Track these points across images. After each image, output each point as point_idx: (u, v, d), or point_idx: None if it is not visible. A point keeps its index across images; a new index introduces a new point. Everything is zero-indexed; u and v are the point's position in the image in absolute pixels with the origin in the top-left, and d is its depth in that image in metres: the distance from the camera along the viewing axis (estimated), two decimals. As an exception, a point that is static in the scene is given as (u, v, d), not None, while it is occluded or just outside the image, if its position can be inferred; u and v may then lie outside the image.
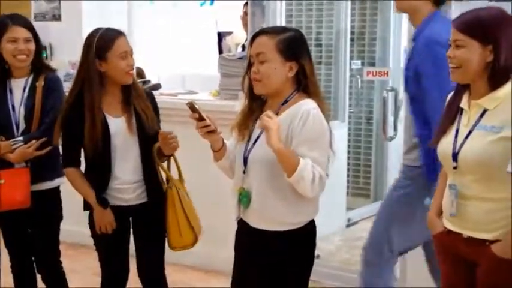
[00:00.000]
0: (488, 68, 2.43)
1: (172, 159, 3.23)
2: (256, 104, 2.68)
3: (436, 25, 3.09)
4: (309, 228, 2.66)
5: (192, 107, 2.58)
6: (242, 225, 2.73)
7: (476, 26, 2.43)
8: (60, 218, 3.54)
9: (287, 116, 2.56)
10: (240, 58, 4.75)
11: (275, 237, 2.60)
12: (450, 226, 2.58)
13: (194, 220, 3.21)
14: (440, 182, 2.72)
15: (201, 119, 2.60)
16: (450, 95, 2.65)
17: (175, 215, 3.16)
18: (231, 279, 2.81)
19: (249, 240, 2.70)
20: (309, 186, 2.47)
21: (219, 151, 2.72)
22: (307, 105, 2.55)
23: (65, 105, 3.14)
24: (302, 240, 2.65)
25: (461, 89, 2.57)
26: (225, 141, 2.74)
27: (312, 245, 2.70)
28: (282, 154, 2.46)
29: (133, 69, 3.13)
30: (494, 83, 2.44)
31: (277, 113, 2.57)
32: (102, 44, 3.08)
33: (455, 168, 2.50)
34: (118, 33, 3.12)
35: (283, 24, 4.67)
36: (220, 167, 2.79)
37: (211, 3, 6.84)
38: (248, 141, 2.65)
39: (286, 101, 2.60)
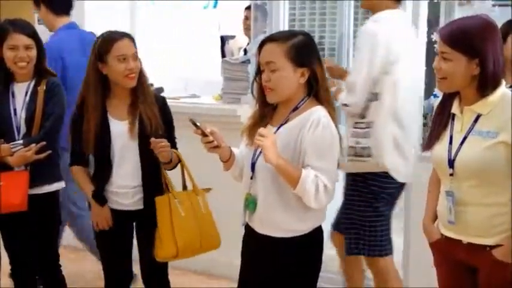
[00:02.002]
0: (475, 80, 2.41)
1: (183, 168, 3.19)
2: (267, 110, 2.65)
3: (57, 36, 4.17)
4: (316, 235, 2.64)
5: (194, 123, 2.57)
6: (249, 230, 2.71)
7: (462, 39, 2.40)
8: (58, 222, 3.54)
9: (297, 124, 2.53)
10: (243, 62, 4.75)
11: (281, 244, 2.58)
12: (448, 233, 2.56)
13: (182, 234, 3.06)
14: (431, 188, 2.70)
15: (204, 134, 2.58)
16: (439, 100, 2.63)
17: (160, 224, 3.07)
18: (237, 284, 2.79)
19: (256, 246, 2.69)
20: (313, 198, 2.45)
21: (227, 161, 2.71)
22: (318, 112, 2.51)
23: (75, 106, 3.19)
24: (309, 247, 2.62)
25: (451, 94, 2.55)
26: (233, 149, 2.71)
27: (319, 251, 2.67)
28: (282, 169, 2.45)
29: (133, 72, 3.10)
30: (483, 91, 2.42)
31: (287, 120, 2.56)
32: (102, 46, 3.10)
33: (451, 175, 2.48)
34: (120, 36, 3.12)
35: (286, 28, 4.66)
36: (231, 175, 2.77)
37: (215, 6, 6.84)
38: (257, 147, 2.62)
39: (296, 108, 2.57)
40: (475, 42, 2.38)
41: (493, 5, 3.67)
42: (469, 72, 2.40)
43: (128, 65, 3.08)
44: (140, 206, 3.18)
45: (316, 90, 2.57)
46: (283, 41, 2.53)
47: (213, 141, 2.58)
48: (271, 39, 2.58)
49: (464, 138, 2.45)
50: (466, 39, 2.39)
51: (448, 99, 2.56)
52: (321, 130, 2.48)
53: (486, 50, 2.38)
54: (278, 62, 2.50)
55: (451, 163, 2.47)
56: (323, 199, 2.47)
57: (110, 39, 3.11)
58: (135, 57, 3.13)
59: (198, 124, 2.55)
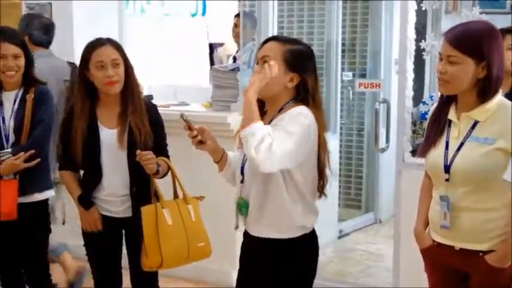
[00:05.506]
0: (479, 83, 2.43)
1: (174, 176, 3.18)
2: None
3: None
4: (310, 237, 2.65)
5: (182, 116, 2.65)
6: (246, 236, 2.73)
7: (470, 42, 2.41)
8: (48, 230, 3.52)
9: (278, 120, 2.55)
10: (232, 70, 4.76)
11: (277, 246, 2.59)
12: (440, 239, 2.56)
13: (167, 244, 3.03)
14: (423, 195, 2.71)
15: (190, 129, 2.64)
16: (434, 106, 2.65)
17: (145, 233, 3.04)
18: None
19: (252, 250, 2.69)
20: (253, 146, 2.38)
21: (219, 162, 2.73)
22: (299, 108, 2.54)
23: (65, 112, 3.20)
24: (304, 249, 2.63)
25: (447, 100, 2.56)
26: (227, 152, 2.74)
27: (315, 253, 2.68)
28: (248, 104, 2.46)
29: (113, 80, 3.07)
30: (484, 96, 2.43)
31: (272, 120, 2.58)
32: (85, 54, 3.12)
33: (447, 180, 2.49)
34: (100, 43, 3.10)
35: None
36: (223, 178, 2.79)
37: (203, 14, 6.84)
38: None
39: (282, 109, 2.59)
40: (483, 45, 2.40)
41: (480, 13, 3.69)
42: (475, 75, 2.42)
43: (106, 72, 3.06)
44: (129, 214, 3.18)
45: (305, 98, 2.59)
46: (286, 43, 2.61)
47: (197, 135, 2.63)
48: (275, 38, 2.67)
49: (461, 144, 2.47)
50: (475, 42, 2.41)
51: (444, 105, 2.57)
52: (295, 114, 2.50)
53: (492, 53, 2.40)
54: (272, 58, 2.55)
55: (447, 168, 2.48)
56: (262, 153, 2.38)
57: (91, 46, 3.11)
58: (116, 63, 3.09)
59: (184, 118, 2.63)
